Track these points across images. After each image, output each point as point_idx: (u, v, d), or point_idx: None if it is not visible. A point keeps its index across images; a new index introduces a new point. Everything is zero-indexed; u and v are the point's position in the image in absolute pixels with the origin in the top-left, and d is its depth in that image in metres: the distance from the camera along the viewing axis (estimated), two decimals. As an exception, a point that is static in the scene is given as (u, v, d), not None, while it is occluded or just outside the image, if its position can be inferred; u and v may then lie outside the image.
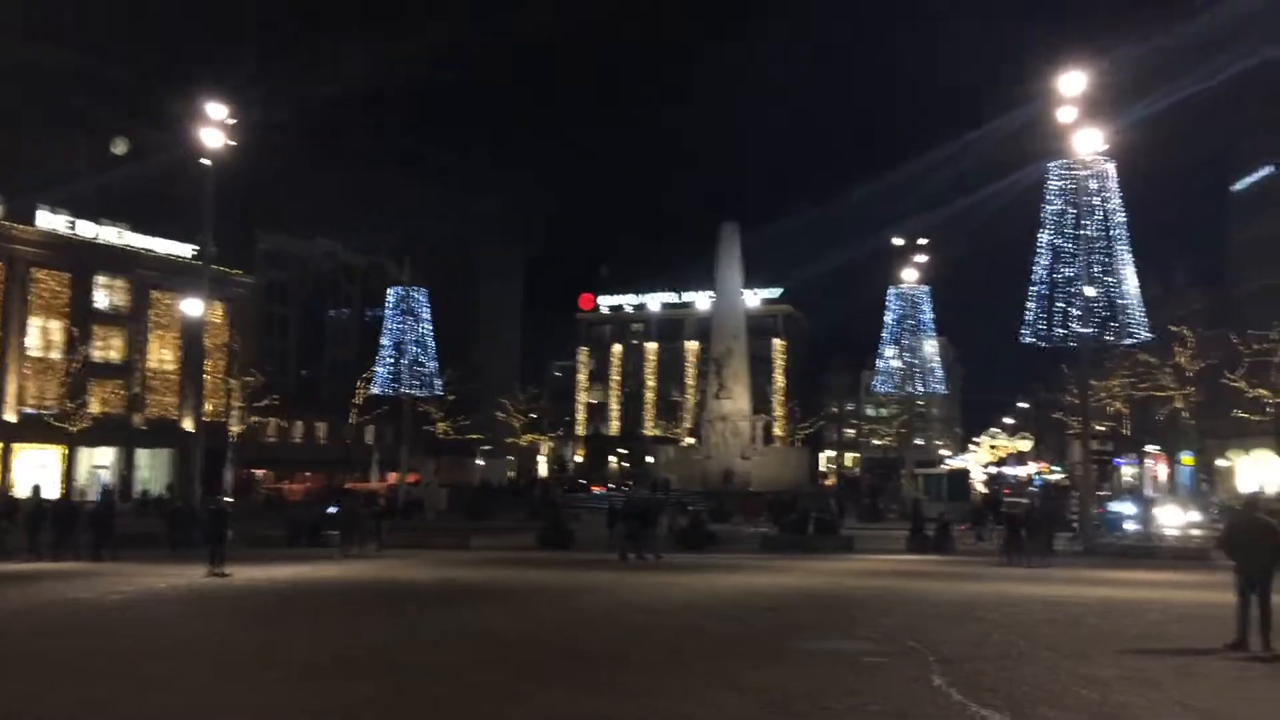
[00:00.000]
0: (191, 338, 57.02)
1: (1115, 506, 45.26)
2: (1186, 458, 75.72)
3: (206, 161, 36.45)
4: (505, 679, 11.49)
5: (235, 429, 60.37)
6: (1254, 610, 13.11)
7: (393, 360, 52.35)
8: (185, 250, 64.58)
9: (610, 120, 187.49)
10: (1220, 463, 73.46)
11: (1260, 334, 56.57)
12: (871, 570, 26.66)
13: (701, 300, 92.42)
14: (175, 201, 57.66)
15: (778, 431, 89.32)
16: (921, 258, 57.81)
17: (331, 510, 35.34)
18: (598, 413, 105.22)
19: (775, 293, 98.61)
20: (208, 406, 51.07)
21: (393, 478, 60.39)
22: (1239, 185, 75.20)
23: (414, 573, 24.61)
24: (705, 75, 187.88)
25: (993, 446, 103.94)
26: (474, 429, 70.58)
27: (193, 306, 44.40)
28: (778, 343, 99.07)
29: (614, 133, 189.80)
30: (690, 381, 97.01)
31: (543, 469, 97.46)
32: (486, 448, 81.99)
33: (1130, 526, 41.53)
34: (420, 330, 52.72)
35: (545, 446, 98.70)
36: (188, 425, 61.24)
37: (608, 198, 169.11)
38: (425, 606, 18.68)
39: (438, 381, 53.85)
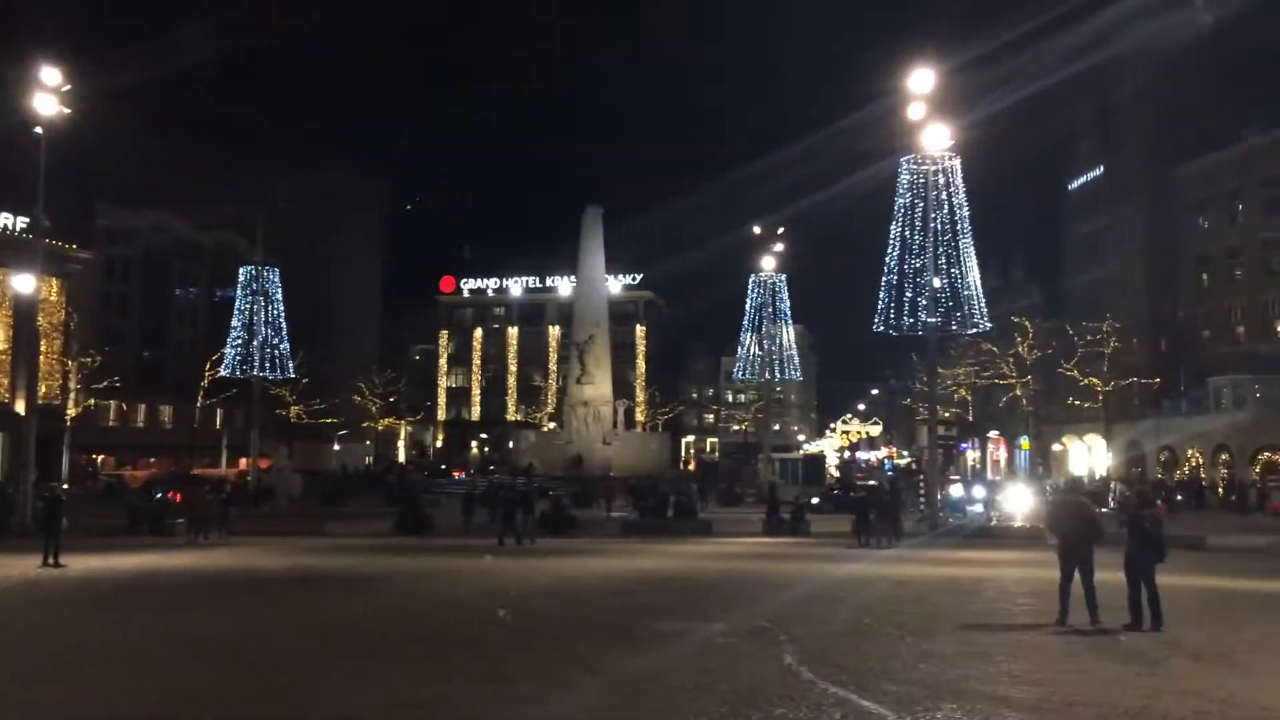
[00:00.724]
0: (23, 317, 53.67)
1: (956, 490, 47.37)
2: (1025, 442, 79.68)
3: (39, 130, 34.29)
4: (351, 666, 11.28)
5: (72, 412, 57.25)
6: (1077, 587, 13.87)
7: (243, 341, 50.52)
8: (17, 224, 60.71)
9: (474, 103, 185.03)
10: (1055, 447, 77.59)
11: (1092, 325, 59.96)
12: (728, 553, 27.17)
13: (565, 285, 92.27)
14: (6, 172, 54.10)
15: (639, 417, 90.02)
16: (780, 247, 59.04)
17: (161, 495, 33.98)
18: (459, 397, 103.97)
19: (638, 279, 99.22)
20: (42, 389, 48.28)
21: (243, 464, 58.34)
22: (1073, 185, 79.45)
23: (264, 561, 23.87)
24: (572, 60, 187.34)
25: (846, 432, 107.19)
26: (329, 413, 68.79)
27: (24, 283, 41.78)
28: (640, 329, 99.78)
29: (477, 117, 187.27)
30: (553, 366, 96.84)
31: (402, 454, 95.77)
32: (343, 433, 79.99)
33: (975, 509, 43.53)
34: (273, 310, 51.00)
35: (404, 431, 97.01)
36: (20, 408, 57.72)
37: (471, 180, 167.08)
38: (273, 595, 18.16)
39: (290, 364, 52.22)
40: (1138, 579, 13.78)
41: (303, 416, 64.22)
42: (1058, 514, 15.04)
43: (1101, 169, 75.51)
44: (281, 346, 51.17)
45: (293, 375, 54.01)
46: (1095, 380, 59.83)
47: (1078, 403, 64.34)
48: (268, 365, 50.69)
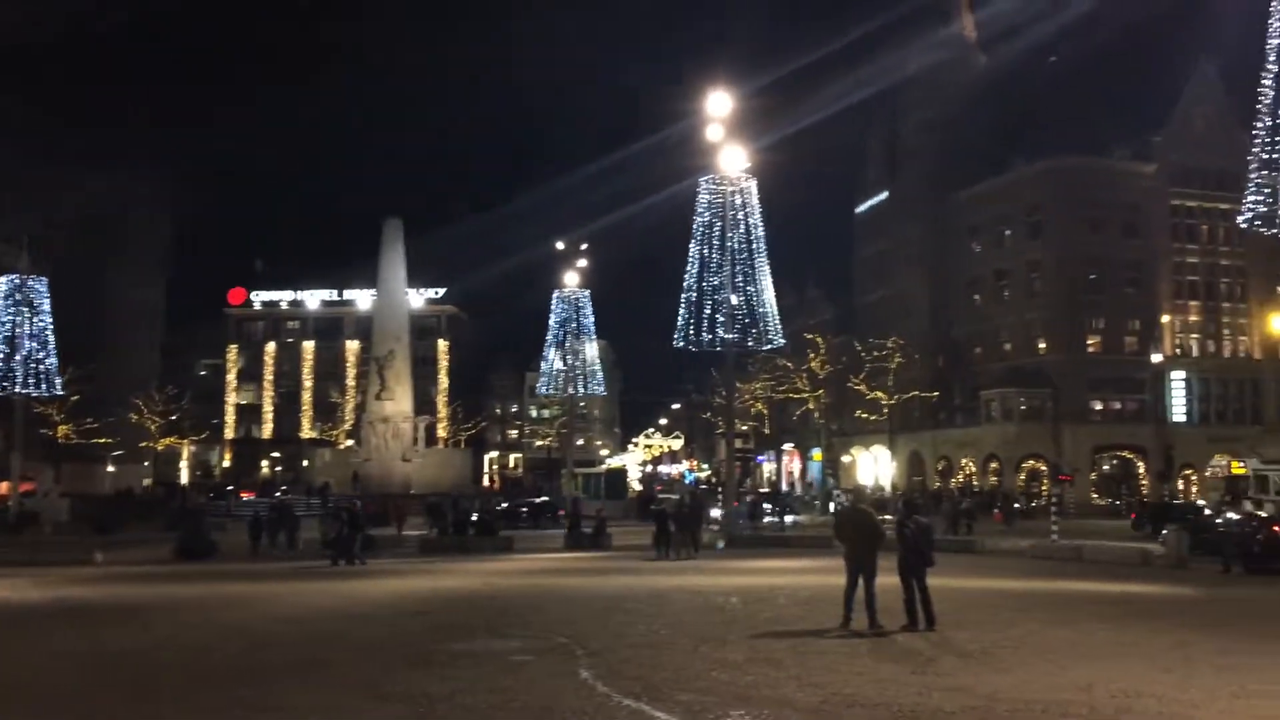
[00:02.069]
0: None
1: (754, 500, 49.06)
2: (817, 453, 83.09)
3: None
4: (111, 701, 10.49)
5: None
6: (860, 592, 14.48)
7: (3, 356, 46.53)
8: None
9: (271, 111, 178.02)
10: (845, 458, 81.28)
11: (878, 342, 63.21)
12: (529, 569, 27.02)
13: (363, 298, 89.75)
14: None
15: (441, 433, 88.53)
16: (583, 262, 59.36)
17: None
18: (249, 414, 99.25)
19: (441, 293, 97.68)
20: None
21: (3, 488, 53.68)
22: (861, 208, 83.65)
23: (20, 593, 21.95)
24: (373, 67, 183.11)
25: (648, 446, 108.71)
26: (104, 432, 64.26)
27: None
28: (442, 343, 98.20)
29: (273, 125, 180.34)
30: (351, 382, 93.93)
31: (184, 475, 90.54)
32: (118, 453, 74.83)
33: (769, 519, 45.12)
34: (38, 323, 47.24)
35: (187, 451, 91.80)
36: None
37: (265, 190, 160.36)
38: (30, 628, 16.72)
39: (59, 380, 48.50)
40: (910, 582, 14.53)
41: (72, 436, 59.73)
42: (843, 522, 15.65)
43: (886, 194, 79.78)
44: (48, 361, 47.42)
45: (60, 392, 50.17)
46: (881, 394, 63.08)
47: (865, 415, 67.63)
48: (32, 381, 46.86)
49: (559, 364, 57.97)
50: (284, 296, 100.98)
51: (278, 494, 51.61)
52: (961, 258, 71.70)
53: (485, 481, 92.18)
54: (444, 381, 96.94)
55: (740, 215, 36.64)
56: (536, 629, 14.99)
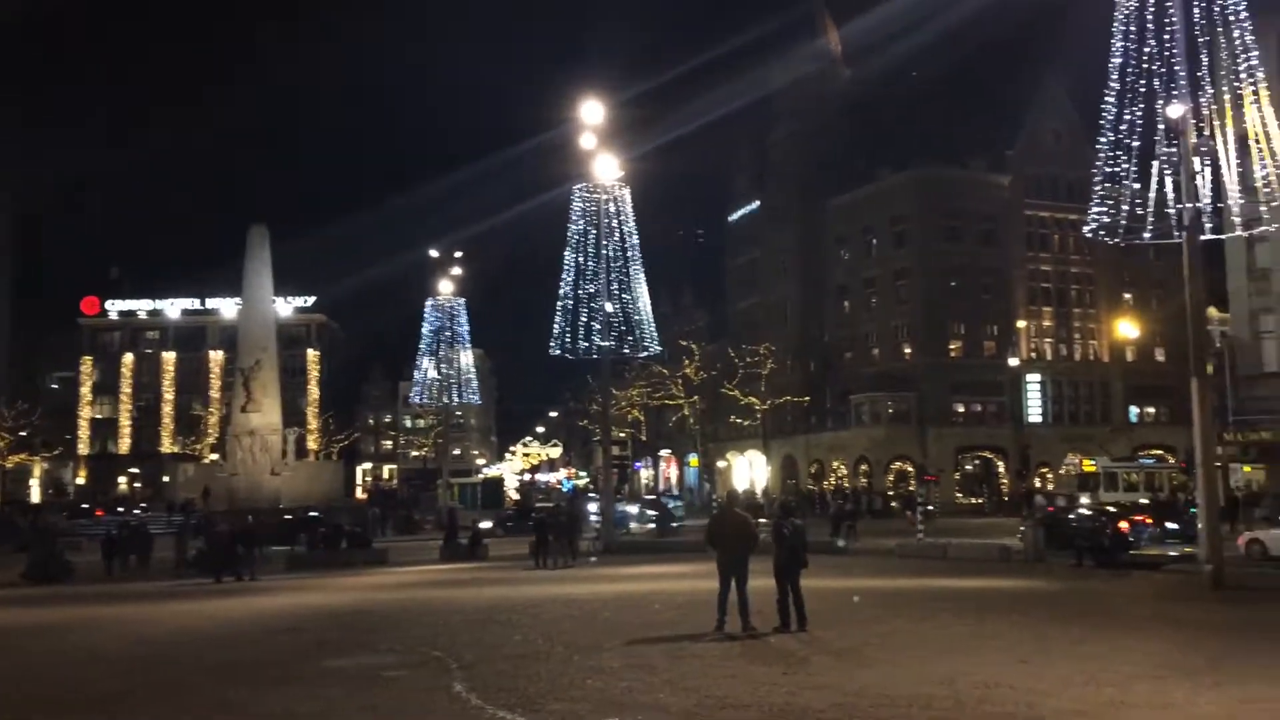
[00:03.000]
0: None
1: (632, 508, 49.29)
2: (693, 459, 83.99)
3: None
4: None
5: None
6: (733, 596, 14.68)
7: None
8: None
9: (125, 114, 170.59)
10: (720, 463, 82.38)
11: (751, 348, 64.32)
12: (404, 582, 26.53)
13: (228, 307, 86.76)
14: None
15: (312, 445, 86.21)
16: (458, 270, 58.76)
17: None
18: (105, 429, 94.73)
19: (309, 301, 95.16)
20: None
21: None
22: (734, 217, 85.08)
23: None
24: (238, 74, 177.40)
25: (526, 454, 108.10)
26: (-55, 451, 60.48)
27: None
28: (312, 353, 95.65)
29: (129, 129, 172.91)
30: (215, 394, 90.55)
31: (35, 493, 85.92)
32: (-38, 473, 70.64)
33: (646, 524, 45.36)
34: None
35: (39, 468, 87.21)
36: None
37: (121, 196, 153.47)
38: None
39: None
40: (785, 583, 14.81)
41: (-90, 455, 56.02)
42: (716, 527, 15.83)
43: (757, 203, 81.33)
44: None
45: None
46: (754, 399, 64.19)
47: (739, 421, 68.70)
48: None
49: (433, 373, 57.18)
50: (142, 306, 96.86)
51: (137, 510, 49.45)
52: (831, 265, 73.57)
53: (359, 494, 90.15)
54: (314, 392, 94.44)
55: (615, 223, 36.79)
56: (409, 643, 14.73)
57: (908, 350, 67.32)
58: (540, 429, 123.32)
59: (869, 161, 69.47)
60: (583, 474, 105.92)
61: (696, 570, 24.34)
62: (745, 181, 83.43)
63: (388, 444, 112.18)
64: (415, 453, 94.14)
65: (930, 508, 44.74)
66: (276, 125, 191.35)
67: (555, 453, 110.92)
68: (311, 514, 41.77)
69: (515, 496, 73.07)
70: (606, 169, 36.11)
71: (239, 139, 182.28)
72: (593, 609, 18.49)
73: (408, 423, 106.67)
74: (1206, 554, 21.53)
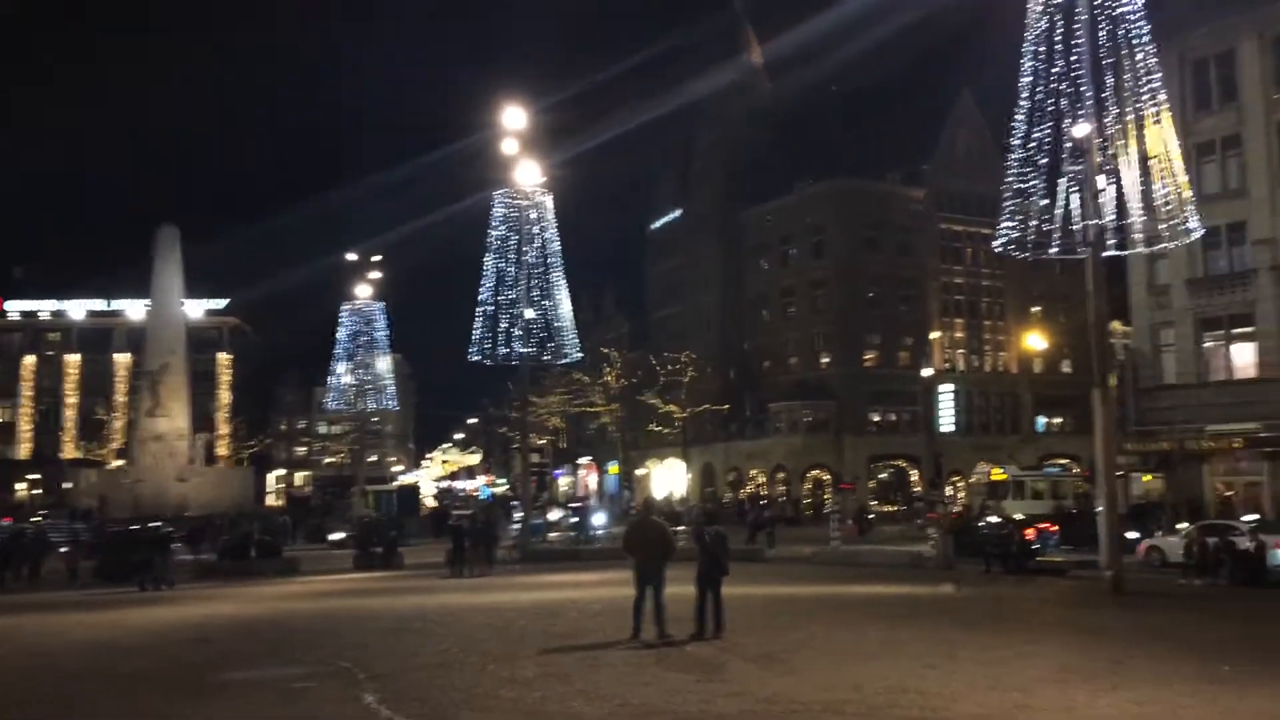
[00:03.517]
0: None
1: (553, 514, 49.16)
2: (613, 467, 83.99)
3: None
4: None
5: None
6: (650, 603, 14.70)
7: None
8: None
9: (37, 110, 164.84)
10: (640, 471, 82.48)
11: (672, 356, 64.60)
12: (316, 591, 26.04)
13: (136, 309, 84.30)
14: None
15: (221, 451, 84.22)
16: (376, 274, 57.95)
17: None
18: (4, 433, 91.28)
19: (221, 304, 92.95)
20: None
21: None
22: (655, 225, 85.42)
23: None
24: (153, 71, 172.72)
25: (444, 461, 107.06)
26: None
27: None
28: (223, 356, 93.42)
29: (39, 125, 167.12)
30: (121, 398, 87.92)
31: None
32: None
33: (554, 534, 45.18)
34: None
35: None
36: None
37: (22, 195, 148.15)
38: None
39: None
40: (705, 590, 14.87)
41: None
42: (634, 534, 15.83)
43: (679, 211, 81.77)
44: None
45: None
46: (675, 407, 64.43)
47: (659, 429, 68.91)
48: None
49: (349, 378, 56.31)
50: (45, 306, 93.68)
51: (35, 518, 47.68)
52: (751, 275, 74.27)
53: (270, 500, 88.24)
54: (225, 397, 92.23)
55: (536, 229, 36.67)
56: (320, 653, 14.43)
57: (825, 360, 68.23)
58: (459, 436, 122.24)
59: (789, 172, 70.36)
60: (501, 481, 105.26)
61: (614, 578, 24.36)
62: (668, 190, 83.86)
63: (301, 450, 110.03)
64: (329, 459, 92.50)
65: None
66: (192, 125, 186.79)
67: (474, 460, 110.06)
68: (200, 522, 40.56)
69: (432, 504, 72.26)
70: (528, 175, 35.97)
71: (152, 137, 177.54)
72: (509, 617, 18.35)
73: (322, 429, 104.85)
74: (1107, 561, 22.23)
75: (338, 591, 25.86)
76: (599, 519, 46.13)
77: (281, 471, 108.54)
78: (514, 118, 34.88)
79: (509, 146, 35.42)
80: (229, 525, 39.39)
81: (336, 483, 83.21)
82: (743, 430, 71.49)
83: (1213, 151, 41.20)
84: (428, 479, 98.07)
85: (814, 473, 66.78)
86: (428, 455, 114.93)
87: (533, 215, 36.55)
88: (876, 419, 67.74)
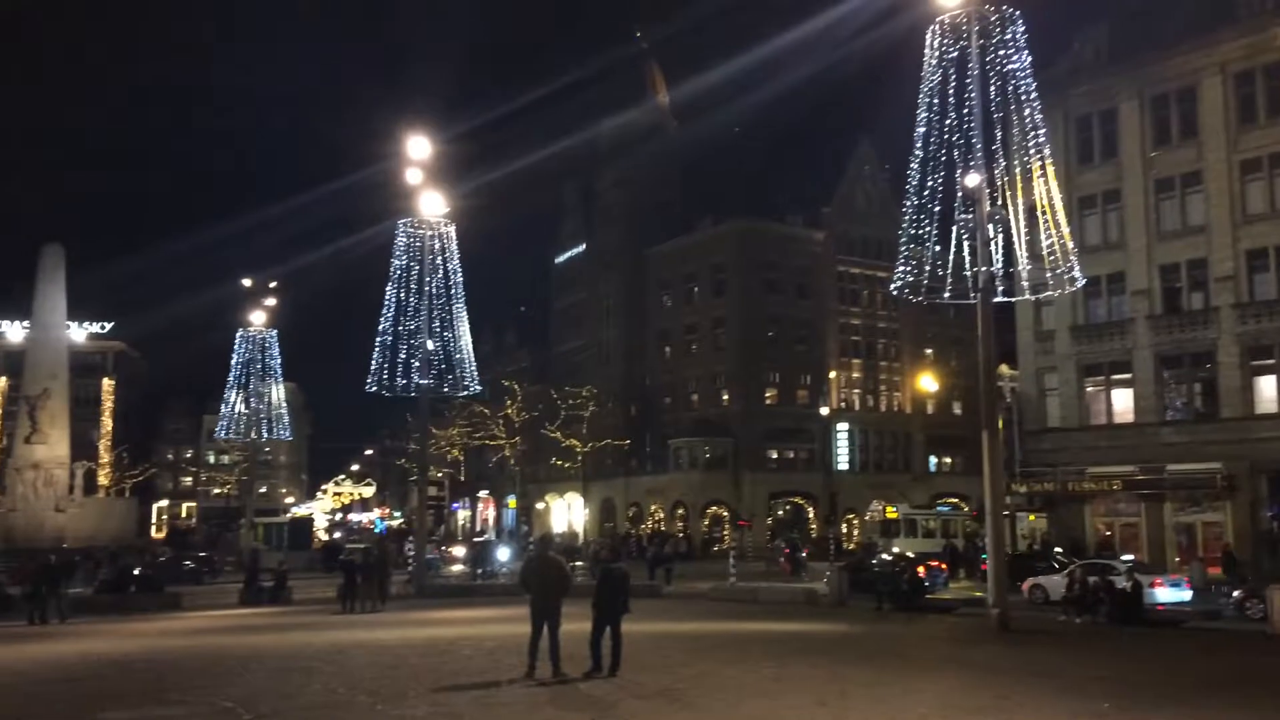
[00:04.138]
0: None
1: (457, 550, 48.39)
2: (512, 500, 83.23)
3: None
4: None
5: None
6: (545, 641, 14.55)
7: None
8: None
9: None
10: (539, 505, 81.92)
11: (574, 390, 64.51)
12: (200, 628, 25.11)
13: (14, 331, 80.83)
14: None
15: (103, 480, 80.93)
16: (272, 301, 56.59)
17: None
18: None
19: (106, 327, 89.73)
20: None
21: None
22: (560, 259, 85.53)
23: None
24: (45, 86, 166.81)
25: (338, 494, 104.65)
26: None
27: None
28: (108, 382, 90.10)
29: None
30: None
31: None
32: None
33: (458, 567, 44.54)
34: None
35: None
36: None
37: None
38: None
39: None
40: (604, 626, 14.75)
41: None
42: (530, 570, 15.67)
43: (584, 246, 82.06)
44: None
45: None
46: (575, 441, 64.25)
47: (560, 463, 68.59)
48: None
49: (241, 407, 54.74)
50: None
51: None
52: (654, 311, 74.80)
53: (154, 532, 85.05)
54: (109, 424, 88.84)
55: (439, 260, 36.34)
56: (200, 693, 13.90)
57: (725, 397, 68.92)
58: (355, 467, 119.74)
59: (694, 211, 71.30)
60: (397, 514, 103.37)
61: (511, 614, 24.09)
62: (573, 224, 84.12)
63: (188, 481, 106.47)
64: (218, 490, 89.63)
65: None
66: (91, 143, 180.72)
67: (369, 492, 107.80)
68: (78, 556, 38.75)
69: (324, 537, 70.51)
70: (433, 204, 35.67)
71: (38, 154, 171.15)
72: (400, 655, 17.95)
73: (212, 458, 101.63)
74: (994, 598, 22.81)
75: (221, 628, 24.98)
76: (503, 554, 45.50)
77: (166, 502, 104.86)
78: (419, 147, 34.62)
79: (413, 176, 35.10)
80: (109, 558, 37.73)
81: (224, 514, 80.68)
82: (643, 465, 71.64)
83: (1094, 205, 43.16)
84: (321, 511, 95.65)
85: (713, 509, 67.19)
86: (322, 487, 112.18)
87: (436, 245, 36.22)
88: (775, 456, 68.57)
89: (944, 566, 33.88)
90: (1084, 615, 24.81)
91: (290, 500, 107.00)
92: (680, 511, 68.23)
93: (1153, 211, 41.46)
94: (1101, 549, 38.48)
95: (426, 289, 36.23)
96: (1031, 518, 46.23)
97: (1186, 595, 28.62)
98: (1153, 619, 24.74)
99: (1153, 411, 40.80)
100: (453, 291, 36.64)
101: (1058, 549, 38.82)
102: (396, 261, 36.22)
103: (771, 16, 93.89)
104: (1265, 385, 38.21)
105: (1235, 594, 26.66)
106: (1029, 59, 23.46)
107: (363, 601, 28.88)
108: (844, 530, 64.02)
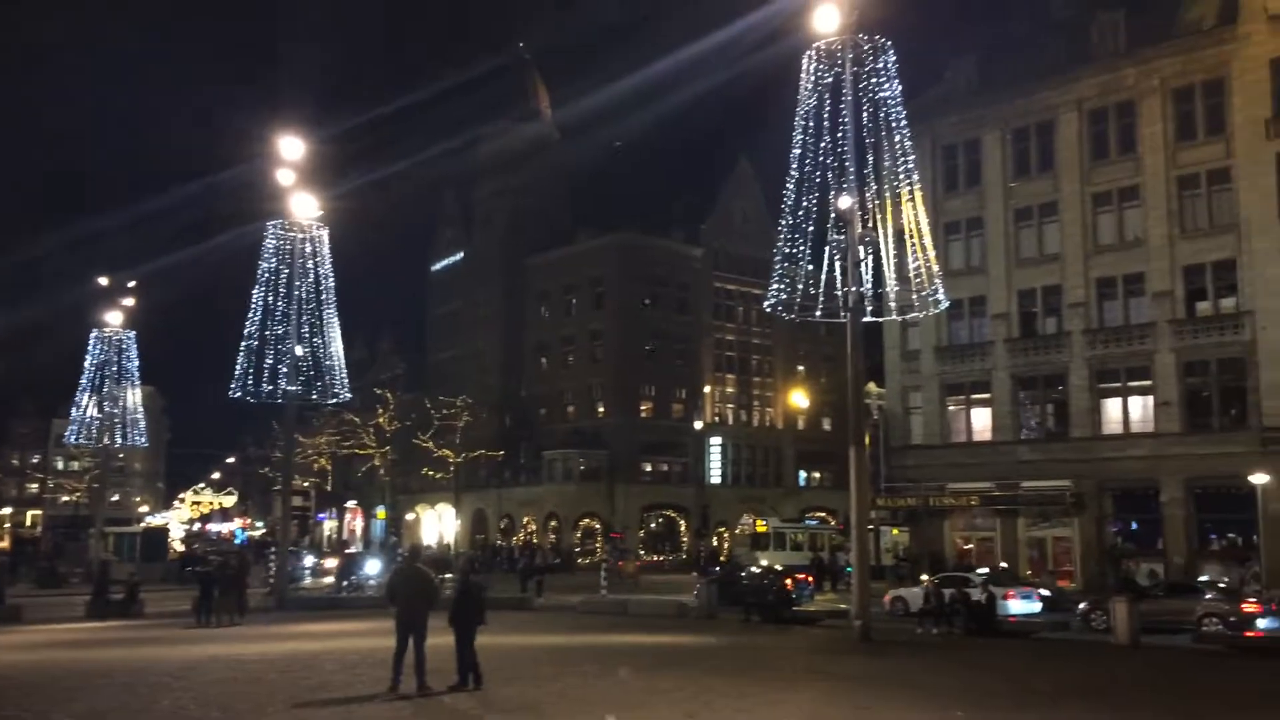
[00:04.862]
0: None
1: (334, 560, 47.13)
2: (381, 511, 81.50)
3: None
4: None
5: None
6: (410, 654, 14.24)
7: None
8: None
9: None
10: (409, 516, 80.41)
11: (448, 400, 63.60)
12: (41, 643, 23.76)
13: None
14: None
15: (-62, 486, 76.06)
16: (130, 301, 54.16)
17: None
18: None
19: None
20: None
21: None
22: (436, 266, 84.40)
23: None
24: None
25: (197, 503, 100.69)
26: None
27: None
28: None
29: None
30: None
31: None
32: None
33: (322, 579, 43.34)
34: None
35: None
36: None
37: None
38: None
39: None
40: (463, 639, 14.55)
41: None
42: (397, 582, 15.34)
43: (462, 254, 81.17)
44: None
45: None
46: (448, 451, 63.30)
47: (432, 473, 67.48)
48: None
49: (94, 411, 52.21)
50: None
51: None
52: (532, 322, 74.42)
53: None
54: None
55: (310, 263, 35.41)
56: (37, 711, 13.14)
57: (601, 409, 68.95)
58: (216, 475, 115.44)
59: (574, 222, 71.29)
60: (260, 524, 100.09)
61: (377, 628, 23.54)
62: (451, 231, 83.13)
63: (34, 487, 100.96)
64: (66, 497, 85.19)
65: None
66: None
67: (230, 501, 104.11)
68: None
69: (180, 548, 67.73)
70: (304, 207, 34.74)
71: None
72: (258, 670, 17.33)
73: (60, 464, 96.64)
74: (857, 610, 23.39)
75: (66, 642, 23.69)
76: (372, 566, 44.41)
77: (9, 510, 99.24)
78: (290, 147, 33.67)
79: (285, 176, 34.12)
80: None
81: (72, 523, 76.72)
82: (517, 477, 71.07)
83: (959, 230, 44.88)
84: (178, 521, 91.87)
85: (586, 521, 67.08)
86: (180, 496, 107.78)
87: (307, 249, 35.29)
88: (649, 469, 68.90)
89: (810, 579, 34.55)
90: (941, 626, 25.63)
91: (145, 509, 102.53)
92: (553, 524, 67.89)
93: (1012, 239, 43.33)
94: (960, 562, 39.90)
95: (296, 293, 35.27)
96: (895, 531, 47.59)
97: (1037, 607, 29.84)
98: (1006, 630, 25.73)
99: (1009, 430, 42.54)
100: (324, 296, 35.77)
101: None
102: (265, 264, 35.15)
103: (659, 37, 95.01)
104: (1111, 407, 40.28)
105: (1081, 606, 27.91)
106: (900, 88, 24.27)
107: (220, 615, 27.81)
108: (715, 543, 64.70)
